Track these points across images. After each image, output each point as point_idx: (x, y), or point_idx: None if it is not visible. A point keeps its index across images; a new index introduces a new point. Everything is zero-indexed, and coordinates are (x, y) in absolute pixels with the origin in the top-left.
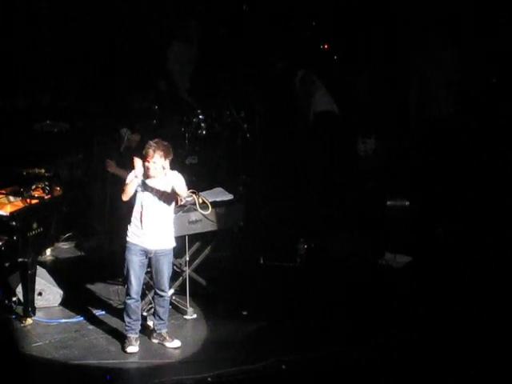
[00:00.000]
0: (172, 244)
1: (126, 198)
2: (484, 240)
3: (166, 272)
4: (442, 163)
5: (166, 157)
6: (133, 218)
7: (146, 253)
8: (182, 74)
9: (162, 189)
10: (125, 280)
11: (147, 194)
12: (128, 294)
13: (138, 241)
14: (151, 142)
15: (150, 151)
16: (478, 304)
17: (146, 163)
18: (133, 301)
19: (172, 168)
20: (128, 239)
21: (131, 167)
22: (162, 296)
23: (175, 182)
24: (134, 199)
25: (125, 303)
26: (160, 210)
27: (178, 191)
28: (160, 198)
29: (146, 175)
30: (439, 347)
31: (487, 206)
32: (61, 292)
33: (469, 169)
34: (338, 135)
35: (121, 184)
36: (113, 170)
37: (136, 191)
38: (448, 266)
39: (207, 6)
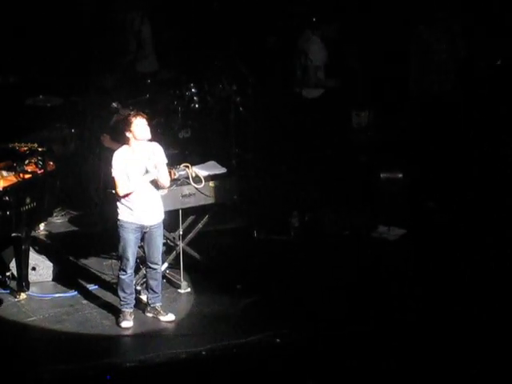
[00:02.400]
0: (163, 216)
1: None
2: (478, 214)
3: (159, 244)
4: (438, 137)
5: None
6: (124, 199)
7: (141, 229)
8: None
9: (149, 160)
10: (120, 256)
11: (138, 169)
12: (123, 269)
13: (132, 219)
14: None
15: (139, 113)
16: (473, 281)
17: (138, 127)
18: (127, 275)
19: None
20: (122, 218)
21: (122, 142)
22: (155, 269)
23: (160, 154)
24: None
25: (119, 278)
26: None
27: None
28: (149, 170)
29: (138, 146)
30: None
31: (481, 181)
32: (55, 266)
33: (464, 143)
34: (331, 107)
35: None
36: (108, 144)
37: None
38: (441, 239)
39: None
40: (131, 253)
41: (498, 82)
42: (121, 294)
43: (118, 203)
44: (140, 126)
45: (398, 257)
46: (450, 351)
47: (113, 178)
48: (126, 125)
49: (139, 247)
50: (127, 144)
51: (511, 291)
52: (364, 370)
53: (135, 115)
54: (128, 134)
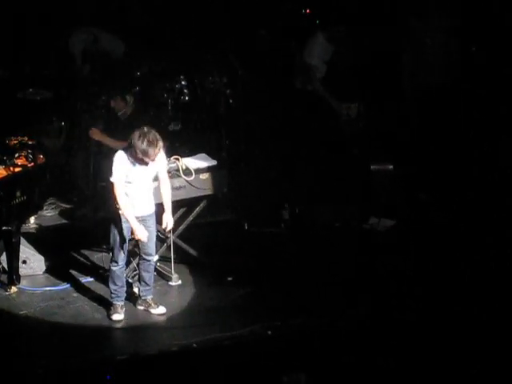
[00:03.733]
0: (154, 207)
1: None
2: (470, 206)
3: (153, 236)
4: (430, 129)
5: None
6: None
7: (136, 219)
8: None
9: (150, 165)
10: (111, 248)
11: (137, 173)
12: (115, 261)
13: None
14: (152, 138)
15: (156, 151)
16: (466, 274)
17: (148, 160)
18: (119, 267)
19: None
20: (116, 209)
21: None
22: (148, 261)
23: (161, 157)
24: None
25: (110, 270)
26: (146, 181)
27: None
28: (148, 173)
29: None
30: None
31: (474, 172)
32: (45, 260)
33: (457, 135)
34: (322, 100)
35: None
36: (98, 138)
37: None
38: (432, 231)
39: None
40: (123, 243)
41: (492, 74)
42: (112, 286)
43: (111, 195)
44: (150, 159)
45: (389, 248)
46: (448, 348)
47: (111, 183)
48: (139, 151)
49: (130, 240)
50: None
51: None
52: (356, 363)
53: (153, 150)
54: (135, 155)
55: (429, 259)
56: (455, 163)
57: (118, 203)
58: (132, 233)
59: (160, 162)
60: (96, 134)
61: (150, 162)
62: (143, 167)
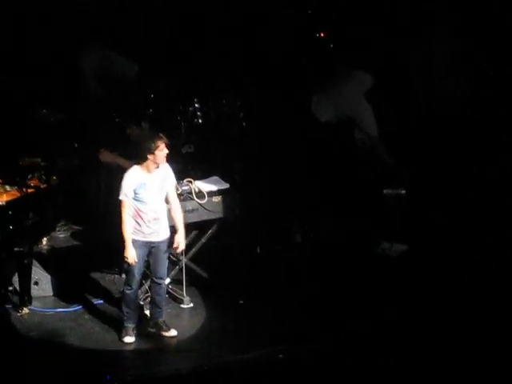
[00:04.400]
0: (169, 232)
1: None
2: (481, 231)
3: (165, 259)
4: (441, 153)
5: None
6: (133, 217)
7: (149, 245)
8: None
9: (159, 180)
10: (126, 272)
11: (148, 189)
12: (129, 284)
13: (141, 236)
14: (153, 134)
15: (164, 140)
16: (474, 297)
17: (161, 152)
18: (133, 291)
19: (168, 157)
20: (132, 237)
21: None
22: (159, 284)
23: (170, 175)
24: (133, 199)
25: (124, 293)
26: (159, 201)
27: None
28: (159, 191)
29: (152, 168)
30: (435, 343)
31: (485, 198)
32: (57, 281)
33: (468, 159)
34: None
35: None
36: (106, 159)
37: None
38: (445, 257)
39: None
40: (138, 268)
41: (499, 89)
42: (125, 309)
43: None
44: (163, 152)
45: (400, 273)
46: (450, 351)
47: (120, 200)
48: (150, 148)
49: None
50: (141, 164)
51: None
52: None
53: (162, 141)
54: (149, 156)
55: (440, 282)
56: (465, 184)
57: (122, 223)
58: (147, 256)
59: (169, 178)
60: (106, 156)
61: (161, 168)
62: (153, 182)
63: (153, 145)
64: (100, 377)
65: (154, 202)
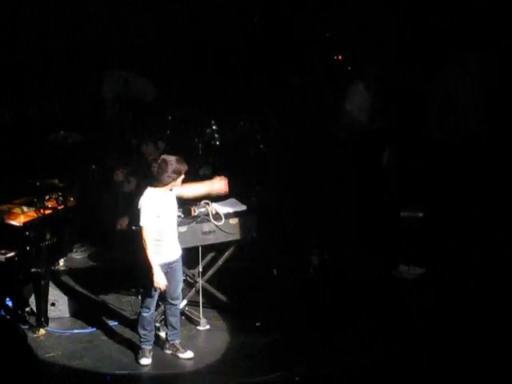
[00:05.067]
0: (181, 251)
1: None
2: (499, 256)
3: (180, 280)
4: (459, 176)
5: None
6: (152, 240)
7: (167, 266)
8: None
9: (173, 201)
10: (143, 294)
11: (168, 212)
12: (147, 306)
13: (162, 259)
14: (172, 158)
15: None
16: (491, 320)
17: (181, 177)
18: (150, 313)
19: (185, 178)
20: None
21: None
22: (175, 305)
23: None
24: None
25: (140, 315)
26: (174, 222)
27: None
28: (175, 211)
29: (167, 190)
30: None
31: (503, 223)
32: (74, 302)
33: (485, 183)
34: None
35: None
36: (121, 178)
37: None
38: (462, 280)
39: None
40: (154, 290)
41: None
42: (141, 331)
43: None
44: (182, 177)
45: (417, 296)
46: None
47: (141, 227)
48: (173, 172)
49: None
50: (161, 186)
51: None
52: None
53: (184, 165)
54: (169, 180)
55: (457, 305)
56: (483, 208)
57: (146, 249)
58: None
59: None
60: (119, 175)
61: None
62: (171, 203)
63: (177, 169)
64: None
65: (172, 223)
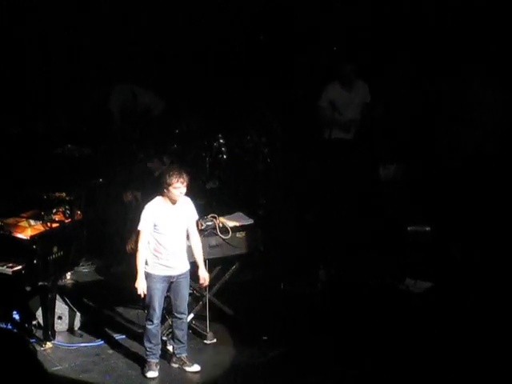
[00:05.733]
0: (189, 266)
1: None
2: (507, 270)
3: (186, 294)
4: (466, 190)
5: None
6: (152, 250)
7: (168, 279)
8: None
9: (180, 214)
10: (146, 306)
11: (168, 222)
12: (150, 319)
13: (159, 270)
14: (174, 169)
15: (181, 179)
16: (499, 334)
17: (175, 190)
18: (154, 326)
19: (192, 192)
20: (150, 271)
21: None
22: (181, 319)
23: (191, 209)
24: (152, 231)
25: (145, 328)
26: (179, 235)
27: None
28: (179, 224)
29: (171, 201)
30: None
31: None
32: (81, 316)
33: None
34: (358, 160)
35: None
36: (129, 199)
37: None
38: (468, 294)
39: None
40: (158, 303)
41: None
42: (147, 344)
43: (147, 258)
44: (178, 190)
45: (424, 310)
46: None
47: (138, 230)
48: (165, 182)
49: (165, 297)
50: (163, 196)
51: None
52: None
53: (179, 179)
54: (165, 190)
55: (464, 319)
56: (493, 224)
57: (136, 252)
58: (167, 291)
59: (190, 213)
60: (129, 197)
61: (180, 201)
62: (174, 215)
63: (168, 180)
64: None
65: (174, 235)
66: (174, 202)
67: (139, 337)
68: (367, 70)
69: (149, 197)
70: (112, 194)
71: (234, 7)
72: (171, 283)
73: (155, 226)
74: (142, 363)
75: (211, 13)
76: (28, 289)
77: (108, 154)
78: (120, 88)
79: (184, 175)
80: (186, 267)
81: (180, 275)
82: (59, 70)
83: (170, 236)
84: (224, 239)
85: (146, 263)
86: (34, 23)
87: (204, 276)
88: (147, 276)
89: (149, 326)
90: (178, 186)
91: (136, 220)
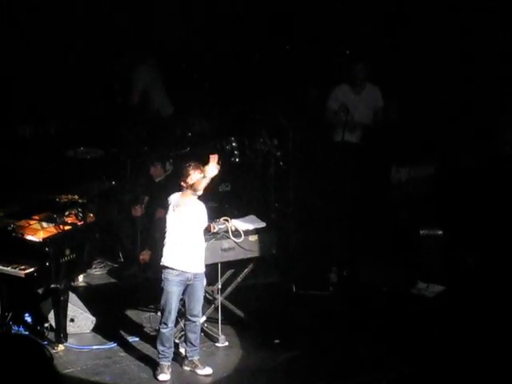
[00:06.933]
0: (204, 268)
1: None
2: None
3: (200, 297)
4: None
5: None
6: (171, 244)
7: (185, 281)
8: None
9: (197, 213)
10: (162, 310)
11: (184, 214)
12: (165, 322)
13: (178, 264)
14: (189, 166)
15: (200, 170)
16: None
17: (199, 183)
18: (168, 329)
19: (205, 195)
20: (168, 264)
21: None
22: (194, 322)
23: (204, 213)
24: (170, 226)
25: (159, 331)
26: (195, 231)
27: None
28: (195, 221)
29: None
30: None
31: None
32: (93, 318)
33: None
34: (370, 163)
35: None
36: (138, 214)
37: (173, 218)
38: (481, 297)
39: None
40: (174, 307)
41: None
42: (160, 347)
43: (165, 249)
44: (201, 183)
45: (437, 314)
46: None
47: (166, 220)
48: (188, 181)
49: (180, 300)
50: (182, 191)
51: None
52: None
53: (194, 168)
54: (183, 184)
55: (478, 325)
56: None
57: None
58: (182, 294)
59: (202, 215)
60: (137, 212)
61: (196, 202)
62: (190, 210)
63: (191, 178)
64: None
65: (190, 229)
66: (192, 196)
67: (151, 339)
68: (380, 72)
69: (155, 202)
70: (124, 198)
71: (246, 8)
72: (187, 286)
73: (173, 211)
74: (153, 366)
75: (224, 13)
76: (40, 291)
77: (119, 156)
78: (146, 62)
79: (200, 165)
80: (201, 269)
81: (196, 277)
82: (69, 71)
83: (187, 229)
84: (236, 242)
85: (166, 259)
86: (45, 27)
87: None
88: (165, 279)
89: (163, 330)
90: (201, 178)
91: (146, 230)
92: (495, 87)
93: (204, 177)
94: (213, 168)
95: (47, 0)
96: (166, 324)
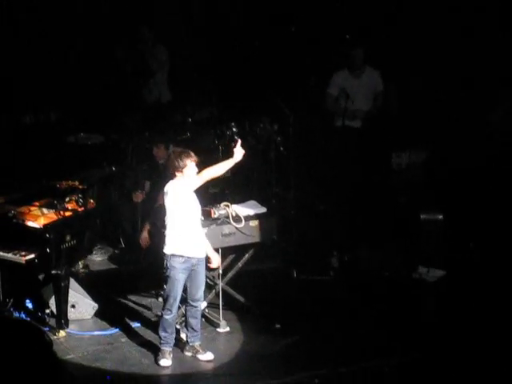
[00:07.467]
0: (205, 253)
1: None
2: None
3: (202, 282)
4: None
5: None
6: (174, 232)
7: (190, 267)
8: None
9: (193, 198)
10: (166, 296)
11: (186, 203)
12: (169, 309)
13: (183, 250)
14: (180, 152)
15: (192, 157)
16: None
17: (190, 170)
18: (171, 316)
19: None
20: (173, 251)
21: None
22: (196, 307)
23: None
24: (171, 214)
25: (162, 317)
26: (196, 217)
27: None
28: (194, 206)
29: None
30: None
31: None
32: (94, 304)
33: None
34: (371, 148)
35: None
36: (138, 200)
37: (173, 206)
38: (482, 281)
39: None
40: (179, 293)
41: None
42: (162, 333)
43: (168, 238)
44: (192, 170)
45: (437, 299)
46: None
47: (180, 211)
48: (179, 167)
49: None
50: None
51: None
52: None
53: (189, 159)
54: (177, 174)
55: (479, 310)
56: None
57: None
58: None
59: (196, 199)
60: (138, 198)
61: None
62: (191, 198)
63: (181, 163)
64: None
65: (190, 215)
66: (190, 182)
67: (152, 325)
68: (380, 59)
69: (157, 186)
70: (125, 183)
71: None
72: (191, 270)
73: (176, 204)
74: (155, 351)
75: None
76: (41, 277)
77: (120, 142)
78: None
79: (192, 153)
80: (203, 253)
81: (198, 260)
82: (70, 59)
83: (187, 218)
84: (237, 228)
85: (171, 245)
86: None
87: (214, 257)
88: (171, 267)
89: (166, 316)
90: (192, 166)
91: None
92: (495, 66)
93: (232, 161)
94: (239, 152)
95: None
96: (170, 310)
